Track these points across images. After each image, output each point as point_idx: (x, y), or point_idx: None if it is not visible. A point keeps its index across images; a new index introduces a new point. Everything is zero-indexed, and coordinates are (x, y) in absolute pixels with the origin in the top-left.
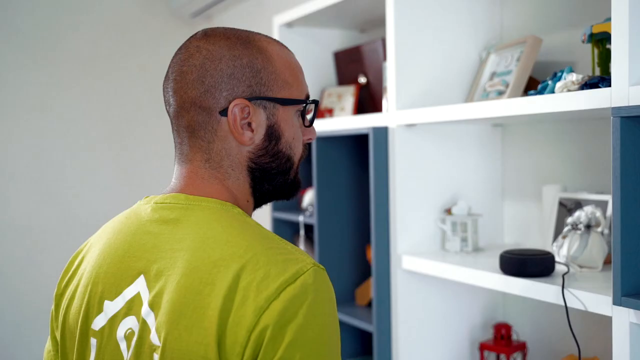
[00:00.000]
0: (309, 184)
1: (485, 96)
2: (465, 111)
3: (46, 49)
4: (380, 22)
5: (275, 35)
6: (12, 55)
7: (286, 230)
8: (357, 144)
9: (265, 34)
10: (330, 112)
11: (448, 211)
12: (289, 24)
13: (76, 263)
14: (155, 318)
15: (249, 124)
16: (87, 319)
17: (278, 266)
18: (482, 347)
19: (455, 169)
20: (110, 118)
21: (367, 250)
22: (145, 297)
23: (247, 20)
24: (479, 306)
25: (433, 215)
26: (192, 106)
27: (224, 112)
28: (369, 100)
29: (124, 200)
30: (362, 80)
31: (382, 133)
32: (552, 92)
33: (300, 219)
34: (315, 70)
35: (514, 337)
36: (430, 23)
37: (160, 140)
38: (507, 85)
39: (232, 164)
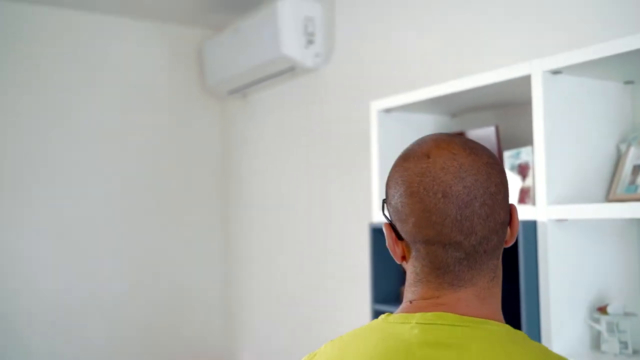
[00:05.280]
0: None
1: (634, 190)
2: (628, 210)
3: (76, 119)
4: (470, 109)
5: (374, 120)
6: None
7: None
8: None
9: (333, 114)
10: None
11: (601, 310)
12: (388, 110)
13: None
14: None
15: None
16: None
17: None
18: None
19: (602, 265)
20: (142, 190)
21: None
22: None
23: (281, 99)
24: None
25: (582, 314)
26: (501, 226)
27: (507, 224)
28: None
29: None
30: None
31: (531, 228)
32: None
33: None
34: None
35: None
36: (567, 117)
37: (191, 214)
38: None
39: (500, 274)
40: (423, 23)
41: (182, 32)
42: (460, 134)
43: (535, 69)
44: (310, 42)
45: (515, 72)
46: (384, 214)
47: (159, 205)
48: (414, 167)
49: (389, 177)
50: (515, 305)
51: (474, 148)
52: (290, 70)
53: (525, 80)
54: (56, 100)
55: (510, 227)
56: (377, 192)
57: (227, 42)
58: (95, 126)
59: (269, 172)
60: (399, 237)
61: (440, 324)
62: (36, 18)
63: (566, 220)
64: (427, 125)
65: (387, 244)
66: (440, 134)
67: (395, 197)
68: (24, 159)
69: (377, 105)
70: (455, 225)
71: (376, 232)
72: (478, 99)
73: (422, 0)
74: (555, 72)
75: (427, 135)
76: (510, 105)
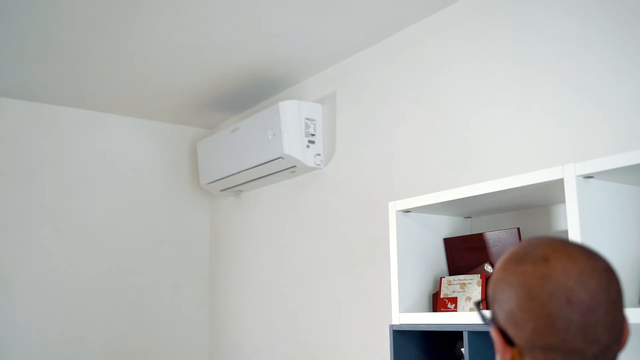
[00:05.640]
0: None
1: None
2: None
3: (66, 214)
4: (485, 210)
5: (392, 220)
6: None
7: None
8: None
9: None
10: (453, 301)
11: None
12: (406, 210)
13: None
14: None
15: None
16: None
17: None
18: None
19: None
20: (123, 291)
21: None
22: None
23: (277, 196)
24: None
25: None
26: (620, 335)
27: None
28: None
29: None
30: (490, 269)
31: None
32: None
33: None
34: (427, 256)
35: None
36: (598, 220)
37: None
38: None
39: None
40: (422, 128)
41: (175, 130)
42: (479, 236)
43: (569, 174)
44: (311, 142)
45: (548, 175)
46: (482, 317)
47: (143, 305)
48: (532, 271)
49: (497, 280)
50: None
51: (591, 252)
52: (290, 169)
53: (550, 184)
54: (54, 194)
55: (623, 341)
56: (396, 292)
57: (223, 141)
58: (85, 221)
59: (264, 271)
60: (509, 342)
61: None
62: (32, 114)
63: None
64: (441, 227)
65: (495, 349)
66: (550, 237)
67: (511, 301)
68: (13, 253)
69: (396, 205)
70: (579, 332)
71: (397, 334)
72: (496, 200)
73: (420, 105)
74: (587, 176)
75: (535, 238)
76: (526, 207)
